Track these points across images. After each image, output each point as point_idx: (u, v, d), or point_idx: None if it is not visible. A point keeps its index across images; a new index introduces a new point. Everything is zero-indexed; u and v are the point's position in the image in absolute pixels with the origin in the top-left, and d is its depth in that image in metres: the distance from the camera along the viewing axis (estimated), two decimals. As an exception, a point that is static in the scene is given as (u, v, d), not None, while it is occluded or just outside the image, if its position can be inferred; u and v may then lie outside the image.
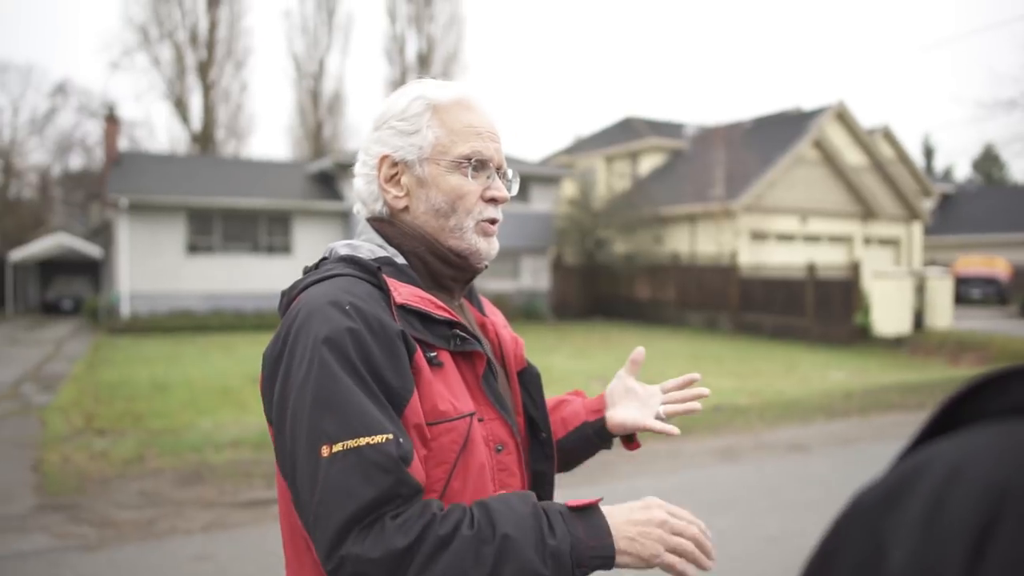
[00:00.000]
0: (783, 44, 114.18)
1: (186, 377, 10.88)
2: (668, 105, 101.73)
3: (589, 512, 1.06)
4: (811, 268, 17.01)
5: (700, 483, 6.04)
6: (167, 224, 19.37)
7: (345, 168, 19.41)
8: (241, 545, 4.64)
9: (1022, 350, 13.61)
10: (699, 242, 21.93)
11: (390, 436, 0.97)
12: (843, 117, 23.39)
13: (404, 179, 1.21)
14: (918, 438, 0.47)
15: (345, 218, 20.57)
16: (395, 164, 1.21)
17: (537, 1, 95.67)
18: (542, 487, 1.30)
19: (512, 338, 1.40)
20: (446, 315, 1.14)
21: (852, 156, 23.41)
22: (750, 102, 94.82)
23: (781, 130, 23.08)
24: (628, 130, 28.50)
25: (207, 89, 34.31)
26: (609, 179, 26.92)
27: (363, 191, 1.25)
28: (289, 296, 1.16)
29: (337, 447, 0.96)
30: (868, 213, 23.25)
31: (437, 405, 1.07)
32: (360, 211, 1.27)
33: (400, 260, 1.20)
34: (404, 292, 1.12)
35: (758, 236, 21.56)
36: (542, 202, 23.01)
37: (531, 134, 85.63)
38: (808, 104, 25.71)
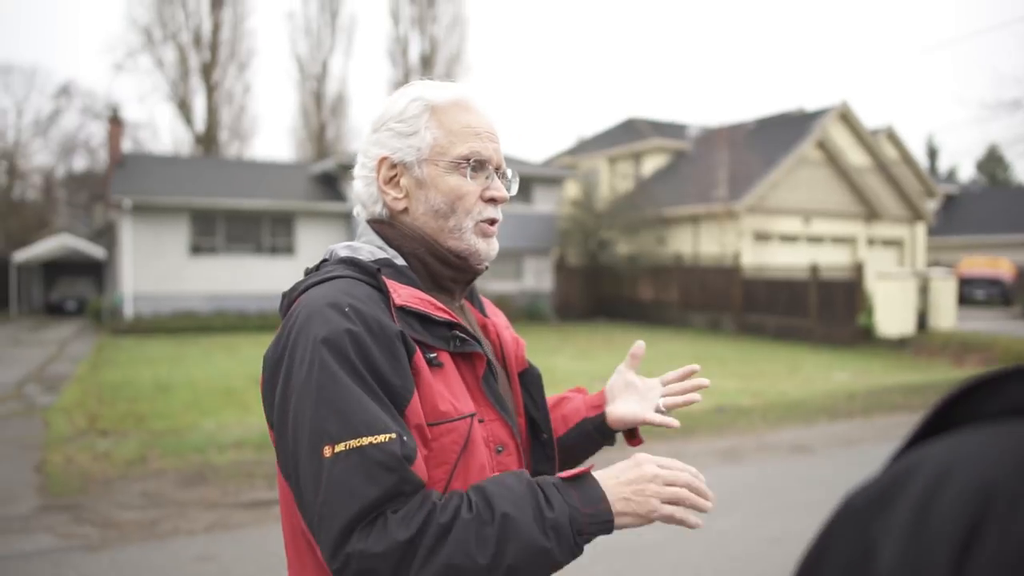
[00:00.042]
0: (786, 44, 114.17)
1: (189, 378, 10.90)
2: (671, 106, 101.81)
3: (582, 480, 1.07)
4: (814, 269, 16.98)
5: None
6: (170, 225, 19.41)
7: (348, 169, 19.43)
8: (244, 546, 4.64)
9: (1026, 351, 13.57)
10: (702, 243, 21.92)
11: (393, 435, 0.98)
12: (846, 118, 23.36)
13: (403, 181, 1.22)
14: (911, 439, 0.47)
15: (348, 219, 20.59)
16: (394, 166, 1.22)
17: (540, 2, 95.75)
18: None
19: (513, 339, 1.41)
20: (445, 316, 1.14)
21: (855, 157, 23.38)
22: (753, 103, 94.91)
23: (784, 131, 23.06)
24: (631, 131, 28.49)
25: (210, 91, 34.38)
26: (612, 180, 26.92)
27: (362, 193, 1.25)
28: (289, 298, 1.17)
29: (340, 447, 0.97)
30: (872, 214, 23.22)
31: (437, 406, 1.07)
32: (360, 213, 1.28)
33: (400, 262, 1.21)
34: (403, 293, 1.12)
35: (761, 237, 21.54)
36: (545, 203, 23.01)
37: (534, 135, 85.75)
38: (811, 105, 25.72)
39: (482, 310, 1.39)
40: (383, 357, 1.03)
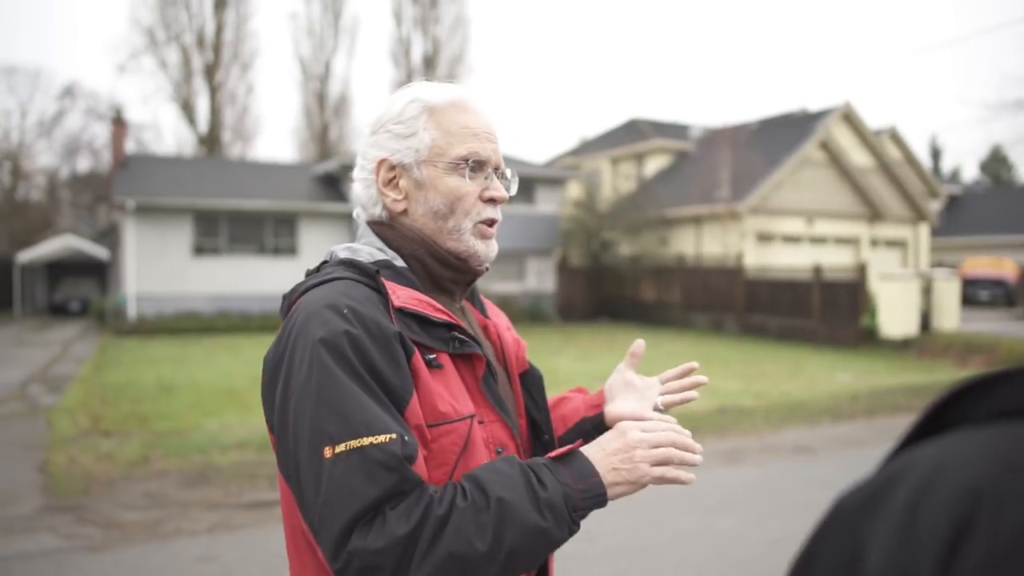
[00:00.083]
0: (789, 45, 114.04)
1: (192, 379, 10.92)
2: (674, 106, 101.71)
3: (572, 457, 1.08)
4: (817, 270, 16.96)
5: (705, 485, 6.02)
6: (174, 226, 19.44)
7: (351, 170, 19.26)
8: (246, 546, 4.65)
9: (1030, 352, 13.54)
10: (705, 244, 21.90)
11: (394, 436, 0.98)
12: (849, 118, 23.33)
13: (402, 182, 1.22)
14: (903, 441, 0.47)
15: (351, 220, 20.58)
16: (393, 167, 1.22)
17: (543, 3, 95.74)
18: None
19: (514, 340, 1.41)
20: (444, 317, 1.14)
21: (858, 157, 23.35)
22: (756, 103, 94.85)
23: (787, 131, 23.03)
24: (634, 132, 28.48)
25: (213, 91, 34.44)
26: (615, 181, 26.91)
27: (362, 195, 1.26)
28: (290, 300, 1.17)
29: (340, 448, 0.97)
30: (875, 215, 23.18)
31: (437, 406, 1.07)
32: (360, 215, 1.28)
33: (399, 263, 1.21)
34: (402, 295, 1.13)
35: (764, 238, 21.52)
36: (547, 204, 23.01)
37: (537, 135, 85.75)
38: (814, 105, 25.61)
39: (483, 311, 1.39)
40: (382, 358, 1.03)
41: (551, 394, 1.46)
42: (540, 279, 22.90)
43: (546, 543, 1.01)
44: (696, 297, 20.36)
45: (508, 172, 1.29)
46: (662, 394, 1.39)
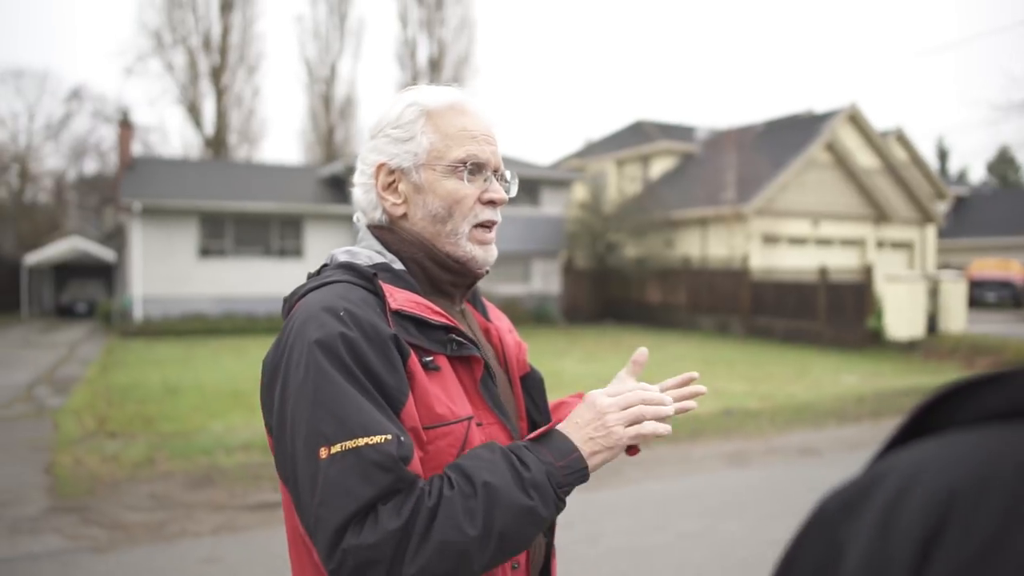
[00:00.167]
0: (795, 46, 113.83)
1: (197, 380, 10.95)
2: (679, 108, 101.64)
3: (550, 437, 1.10)
4: (823, 272, 16.92)
5: (709, 487, 6.01)
6: (180, 228, 19.50)
7: (356, 172, 19.46)
8: (250, 548, 4.66)
9: (1037, 354, 13.48)
10: (710, 246, 21.87)
11: (389, 436, 0.99)
12: (855, 119, 23.26)
13: (401, 186, 1.22)
14: (888, 444, 0.48)
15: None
16: (392, 172, 1.23)
17: (548, 5, 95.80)
18: None
19: (516, 343, 1.41)
20: (442, 320, 1.15)
21: (865, 159, 23.28)
22: (761, 105, 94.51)
23: (793, 133, 22.98)
24: (639, 133, 28.46)
25: (220, 94, 34.53)
26: (620, 182, 26.89)
27: (362, 200, 1.26)
28: (290, 303, 1.18)
29: (336, 448, 0.98)
30: (881, 216, 23.11)
31: (434, 408, 1.08)
32: (360, 219, 1.28)
33: (398, 266, 1.22)
34: (400, 298, 1.13)
35: (770, 239, 21.47)
36: (553, 205, 23.01)
37: (542, 137, 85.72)
38: (820, 106, 25.59)
39: (485, 314, 1.39)
40: (378, 360, 1.04)
41: (554, 396, 1.46)
42: (545, 281, 22.90)
43: (534, 522, 1.03)
44: (701, 299, 20.32)
45: (508, 174, 1.29)
46: None
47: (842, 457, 7.00)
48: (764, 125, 24.84)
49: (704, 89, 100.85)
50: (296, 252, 20.69)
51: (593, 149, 30.05)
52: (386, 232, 1.24)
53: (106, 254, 26.38)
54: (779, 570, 0.48)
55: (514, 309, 20.49)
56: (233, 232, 20.15)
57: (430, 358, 1.11)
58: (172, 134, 64.39)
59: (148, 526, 4.99)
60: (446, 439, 1.08)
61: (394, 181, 1.23)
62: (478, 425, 1.14)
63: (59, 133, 37.48)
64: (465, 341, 1.16)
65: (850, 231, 22.76)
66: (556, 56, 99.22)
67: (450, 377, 1.14)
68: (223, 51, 34.17)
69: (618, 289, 23.27)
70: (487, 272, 1.28)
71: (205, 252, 19.86)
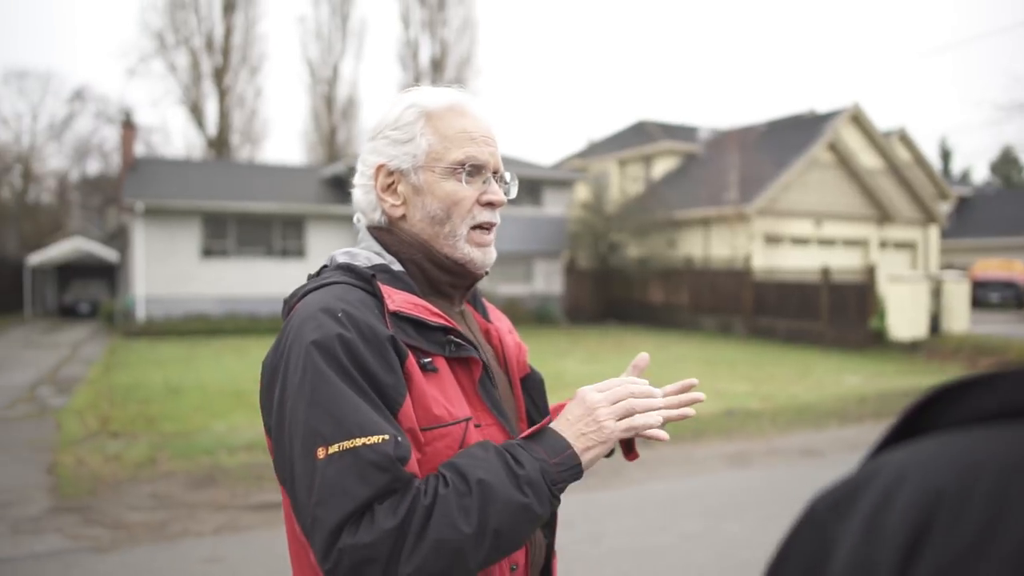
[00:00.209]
0: (797, 46, 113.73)
1: (200, 380, 10.96)
2: (681, 109, 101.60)
3: (544, 434, 1.11)
4: (826, 272, 16.90)
5: (711, 488, 6.01)
6: (182, 228, 19.53)
7: (358, 172, 19.46)
8: (252, 548, 4.67)
9: (1040, 355, 13.45)
10: (713, 246, 21.85)
11: (386, 436, 0.99)
12: (858, 119, 23.23)
13: (400, 188, 1.23)
14: (879, 445, 0.48)
15: (358, 222, 20.64)
16: (391, 173, 1.23)
17: (550, 5, 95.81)
18: None
19: (516, 344, 1.41)
20: (440, 321, 1.15)
21: (867, 159, 23.25)
22: (764, 105, 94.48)
23: (795, 133, 22.96)
24: (641, 134, 28.45)
25: (222, 95, 34.58)
26: (622, 183, 26.89)
27: (361, 201, 1.27)
28: (289, 304, 1.19)
29: (333, 448, 0.98)
30: (884, 216, 23.08)
31: (431, 410, 1.08)
32: (360, 220, 1.29)
33: (397, 267, 1.22)
34: (398, 299, 1.13)
35: (772, 240, 21.45)
36: (555, 206, 23.01)
37: (544, 137, 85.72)
38: (823, 107, 25.56)
39: (485, 315, 1.39)
40: (375, 361, 1.04)
41: (556, 397, 1.46)
42: (548, 281, 22.90)
43: (530, 519, 1.03)
44: (704, 299, 20.31)
45: (507, 176, 1.29)
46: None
47: (844, 458, 6.99)
48: (767, 125, 24.82)
49: (707, 89, 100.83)
50: (298, 252, 20.71)
51: (595, 149, 30.04)
52: (385, 233, 1.25)
53: (109, 254, 26.44)
54: (771, 568, 0.48)
55: (516, 309, 20.49)
56: (235, 232, 20.18)
57: (428, 359, 1.11)
58: (175, 135, 64.51)
59: (150, 526, 5.00)
60: (444, 440, 1.08)
61: (393, 182, 1.23)
62: (476, 426, 1.14)
63: (62, 134, 37.61)
64: (463, 342, 1.16)
65: (853, 231, 22.73)
66: (558, 56, 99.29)
67: (448, 378, 1.14)
68: (226, 52, 34.23)
69: (620, 289, 23.26)
70: (486, 273, 1.28)
71: (207, 252, 19.88)
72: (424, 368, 1.10)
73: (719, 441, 7.62)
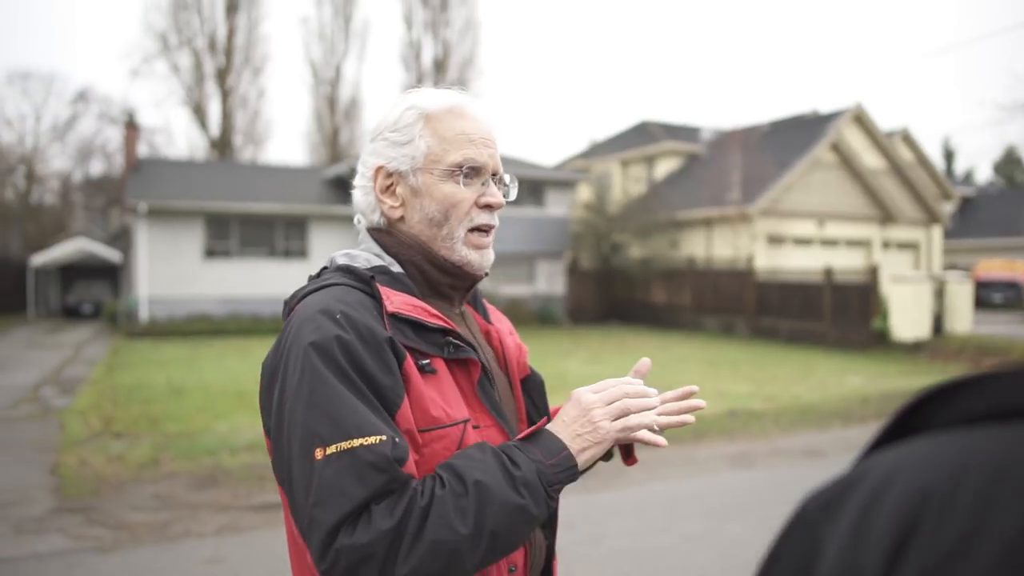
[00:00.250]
0: (800, 47, 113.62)
1: (202, 381, 10.97)
2: (684, 109, 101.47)
3: (540, 436, 1.11)
4: (828, 272, 16.88)
5: (713, 489, 6.00)
6: (185, 229, 19.56)
7: (361, 173, 19.47)
8: (253, 548, 4.67)
9: (1044, 355, 13.42)
10: (715, 246, 21.83)
11: (384, 437, 0.99)
12: (861, 120, 23.20)
13: (399, 189, 1.23)
14: (871, 446, 0.48)
15: (361, 223, 20.66)
16: (390, 175, 1.23)
17: (553, 6, 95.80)
18: None
19: (516, 345, 1.41)
20: (439, 323, 1.15)
21: (870, 159, 23.21)
22: (766, 105, 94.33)
23: (798, 133, 22.94)
24: (644, 134, 28.44)
25: (225, 95, 34.62)
26: (625, 183, 26.88)
27: (361, 202, 1.27)
28: (289, 305, 1.19)
29: (331, 449, 0.98)
30: (887, 217, 23.04)
31: (429, 411, 1.08)
32: (360, 221, 1.29)
33: (396, 269, 1.22)
34: (396, 301, 1.14)
35: (775, 240, 21.43)
36: (558, 206, 23.01)
37: (547, 138, 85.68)
38: (825, 107, 25.54)
39: (486, 316, 1.39)
40: (373, 362, 1.04)
41: (558, 398, 1.46)
42: (550, 282, 22.89)
43: (526, 520, 1.03)
44: (706, 300, 20.30)
45: (507, 178, 1.29)
46: (659, 414, 1.38)
47: (847, 459, 6.98)
48: (769, 125, 24.80)
49: (709, 90, 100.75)
50: (301, 253, 20.73)
51: (598, 150, 30.04)
52: (384, 235, 1.25)
53: (112, 255, 26.49)
54: (762, 567, 0.49)
55: (518, 310, 20.48)
56: (238, 233, 20.21)
57: (426, 361, 1.12)
58: (178, 135, 64.67)
59: (152, 526, 5.00)
60: (441, 442, 1.09)
61: (392, 184, 1.23)
62: (475, 428, 1.14)
63: (65, 135, 37.67)
64: (462, 344, 1.16)
65: (856, 232, 22.70)
66: (561, 57, 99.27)
67: (446, 380, 1.14)
68: (228, 53, 34.27)
69: (623, 290, 23.25)
70: (486, 275, 1.28)
71: (210, 253, 19.91)
72: (422, 369, 1.10)
73: (721, 442, 7.62)
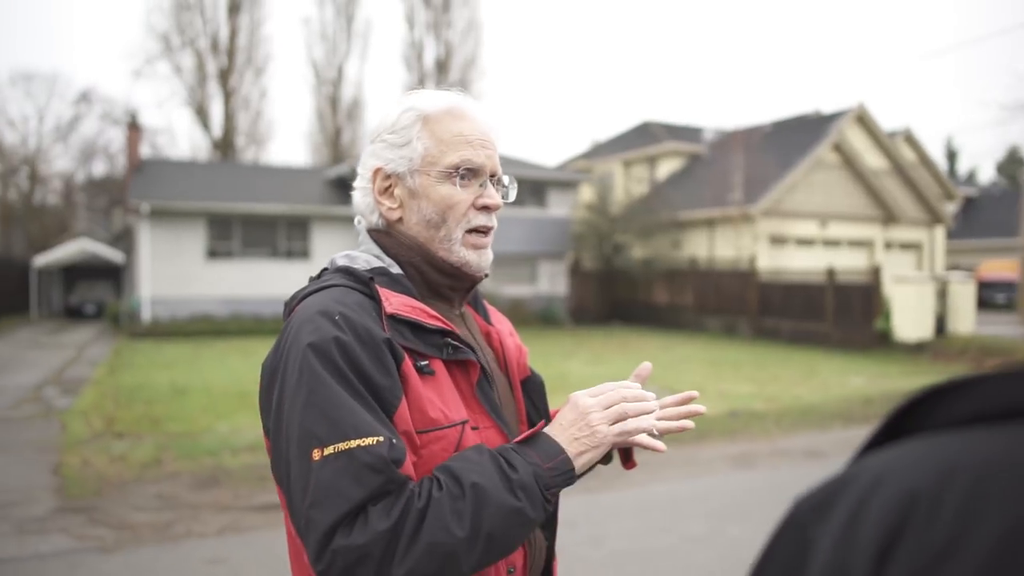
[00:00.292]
0: (802, 47, 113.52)
1: (204, 381, 10.98)
2: (686, 109, 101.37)
3: (538, 439, 1.11)
4: (831, 273, 16.86)
5: (714, 490, 6.00)
6: (188, 229, 19.59)
7: (363, 174, 19.49)
8: (255, 548, 4.68)
9: (1046, 356, 13.39)
10: (717, 247, 21.82)
11: (381, 438, 0.99)
12: (863, 120, 23.17)
13: (397, 191, 1.23)
14: (864, 447, 0.48)
15: (363, 223, 20.68)
16: (388, 176, 1.23)
17: (555, 6, 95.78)
18: None
19: (516, 347, 1.41)
20: (438, 324, 1.15)
21: (873, 159, 23.18)
22: (769, 105, 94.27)
23: (800, 134, 22.92)
24: (646, 134, 28.43)
25: (227, 96, 34.67)
26: (627, 184, 26.87)
27: (361, 204, 1.27)
28: (289, 306, 1.20)
29: (328, 450, 0.98)
30: (889, 217, 23.01)
31: (427, 412, 1.08)
32: (360, 222, 1.29)
33: (396, 270, 1.22)
34: (395, 302, 1.14)
35: (777, 240, 21.41)
36: (560, 207, 23.01)
37: (549, 138, 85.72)
38: (827, 107, 25.51)
39: (486, 317, 1.39)
40: (371, 363, 1.05)
41: (560, 398, 1.46)
42: (552, 282, 22.90)
43: (522, 523, 1.03)
44: (708, 300, 20.28)
45: (506, 179, 1.29)
46: (659, 419, 1.38)
47: (849, 459, 6.97)
48: (771, 126, 24.78)
49: (711, 90, 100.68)
50: (303, 253, 20.75)
51: (600, 150, 30.04)
52: (384, 236, 1.25)
53: (114, 255, 26.53)
54: (755, 567, 0.49)
55: (521, 310, 20.49)
56: (240, 233, 20.23)
57: (425, 362, 1.12)
58: (180, 136, 64.77)
59: (154, 526, 5.01)
60: (439, 443, 1.09)
61: (390, 186, 1.24)
62: (474, 429, 1.14)
63: (68, 135, 37.75)
64: (461, 345, 1.16)
65: (858, 232, 22.67)
66: (563, 57, 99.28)
67: (445, 381, 1.14)
68: (231, 53, 34.31)
69: (625, 290, 23.24)
70: (486, 276, 1.28)
71: (213, 253, 19.94)
72: (421, 371, 1.11)
73: (723, 442, 7.61)
